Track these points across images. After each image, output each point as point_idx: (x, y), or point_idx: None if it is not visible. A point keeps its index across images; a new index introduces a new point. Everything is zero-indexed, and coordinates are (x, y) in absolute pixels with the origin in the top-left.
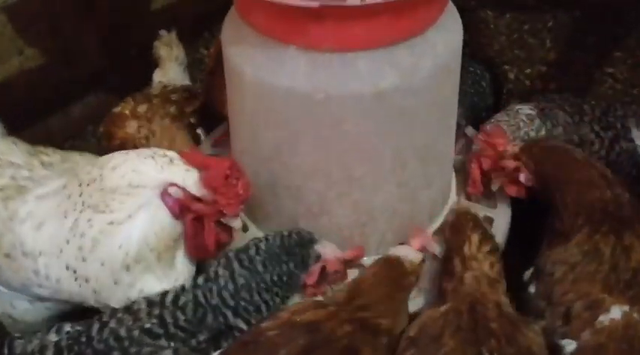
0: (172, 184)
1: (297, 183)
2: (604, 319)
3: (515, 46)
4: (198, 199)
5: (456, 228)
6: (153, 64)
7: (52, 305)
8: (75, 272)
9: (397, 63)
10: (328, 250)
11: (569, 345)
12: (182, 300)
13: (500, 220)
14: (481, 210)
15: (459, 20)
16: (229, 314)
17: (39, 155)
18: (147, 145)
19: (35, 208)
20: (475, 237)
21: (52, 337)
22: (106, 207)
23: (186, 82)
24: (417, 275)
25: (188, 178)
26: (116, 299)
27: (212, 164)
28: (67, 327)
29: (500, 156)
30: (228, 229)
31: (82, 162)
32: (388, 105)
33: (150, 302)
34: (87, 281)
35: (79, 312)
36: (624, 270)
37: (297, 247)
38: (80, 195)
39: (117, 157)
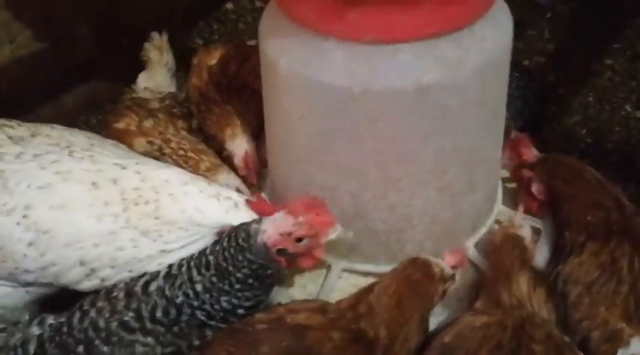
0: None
1: (331, 183)
2: (625, 353)
3: (513, 37)
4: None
5: (500, 263)
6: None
7: (33, 289)
8: (93, 271)
9: (441, 57)
10: (270, 231)
11: None
12: (152, 288)
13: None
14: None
15: (510, 15)
16: (199, 314)
17: (3, 128)
18: (162, 158)
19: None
20: (524, 283)
21: (35, 330)
22: (159, 238)
23: (172, 88)
24: (443, 287)
25: (287, 225)
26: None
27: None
28: (50, 320)
29: (521, 165)
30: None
31: (53, 135)
32: (430, 102)
33: (128, 292)
34: (103, 280)
35: (59, 295)
36: None
37: (239, 254)
38: (124, 211)
39: (175, 183)
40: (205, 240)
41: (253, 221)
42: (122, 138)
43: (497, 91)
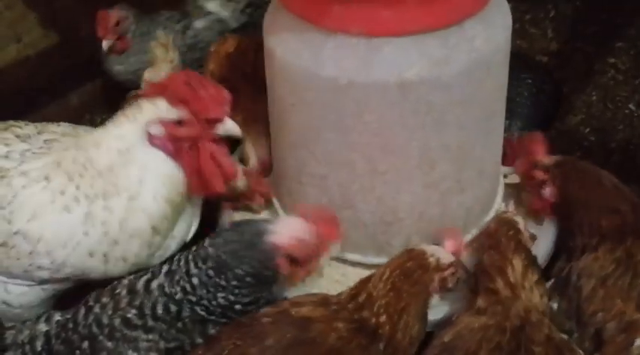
0: (149, 124)
1: (321, 172)
2: None
3: (516, 36)
4: (179, 123)
5: (496, 243)
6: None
7: (48, 286)
8: (105, 256)
9: (426, 53)
10: (284, 234)
11: None
12: (153, 285)
13: (544, 238)
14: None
15: (509, 16)
16: (198, 310)
17: (11, 128)
18: None
19: (25, 199)
20: (518, 263)
21: (42, 327)
22: (116, 188)
23: None
24: (441, 276)
25: (158, 109)
26: (156, 260)
27: (168, 82)
28: (57, 316)
29: (534, 165)
30: (228, 155)
31: (59, 132)
32: (415, 98)
33: (131, 289)
34: (125, 260)
35: (74, 289)
36: None
37: (243, 250)
38: (78, 189)
39: (94, 134)
40: (151, 163)
41: (264, 220)
42: None
43: (490, 92)
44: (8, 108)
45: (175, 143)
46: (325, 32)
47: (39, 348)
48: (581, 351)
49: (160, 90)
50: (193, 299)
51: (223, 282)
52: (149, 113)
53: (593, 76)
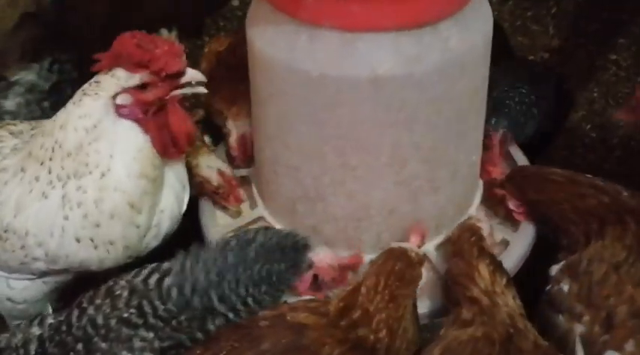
0: (113, 96)
1: (294, 163)
2: None
3: (518, 33)
4: (143, 87)
5: (459, 250)
6: None
7: (50, 279)
8: (92, 240)
9: (399, 50)
10: (323, 257)
11: None
12: (167, 282)
13: (521, 241)
14: (501, 232)
15: (489, 21)
16: (214, 297)
17: (7, 126)
18: None
19: (8, 194)
20: (484, 269)
21: (35, 330)
22: (87, 167)
23: None
24: (422, 268)
25: (118, 79)
26: (151, 241)
27: (119, 49)
28: (50, 319)
29: (492, 184)
30: (185, 113)
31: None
32: (387, 94)
33: (132, 289)
34: (113, 244)
35: (75, 282)
36: None
37: (291, 250)
38: (50, 173)
39: (57, 116)
40: (120, 136)
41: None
42: None
43: (464, 93)
44: None
45: (144, 109)
46: (300, 25)
47: (32, 352)
48: None
49: (114, 59)
50: (215, 279)
51: (256, 268)
52: (111, 86)
53: (595, 72)
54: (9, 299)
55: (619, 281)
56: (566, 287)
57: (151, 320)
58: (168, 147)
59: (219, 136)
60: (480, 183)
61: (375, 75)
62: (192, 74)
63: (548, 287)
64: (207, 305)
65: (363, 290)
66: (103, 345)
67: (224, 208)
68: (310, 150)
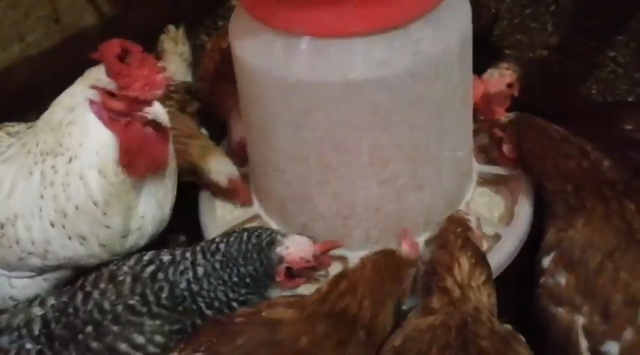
0: (91, 88)
1: (280, 165)
2: None
3: (516, 30)
4: (112, 94)
5: (444, 241)
6: (153, 50)
7: (49, 276)
8: (65, 228)
9: (369, 55)
10: (292, 250)
11: (612, 347)
12: (160, 277)
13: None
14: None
15: (465, 19)
16: (202, 304)
17: (4, 128)
18: None
19: (2, 174)
20: (465, 261)
21: (37, 310)
22: (61, 147)
23: (188, 78)
24: (412, 271)
25: (98, 74)
26: (133, 244)
27: (103, 50)
28: (52, 300)
29: (493, 124)
30: (164, 143)
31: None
32: (360, 98)
33: (134, 276)
34: (84, 238)
35: (76, 279)
36: None
37: (255, 252)
38: (37, 145)
39: (56, 106)
40: (91, 128)
41: (279, 232)
42: None
43: (441, 93)
44: (12, 107)
45: (110, 113)
46: (276, 33)
47: (37, 332)
48: (523, 338)
49: (101, 56)
50: (195, 288)
51: (226, 277)
52: (91, 77)
53: (593, 69)
54: (11, 298)
55: (614, 269)
56: (563, 280)
57: (155, 308)
58: (130, 162)
59: (217, 129)
60: (474, 175)
61: (347, 80)
62: (158, 111)
63: (542, 280)
64: (197, 308)
65: (350, 271)
66: (115, 328)
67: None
68: (293, 153)
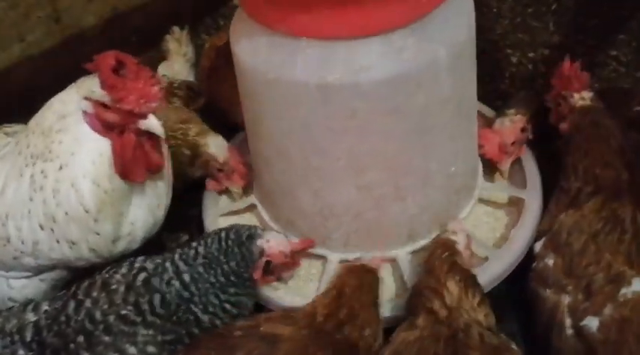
0: (84, 99)
1: (267, 157)
2: (627, 291)
3: (518, 29)
4: (105, 106)
5: (431, 267)
6: (153, 49)
7: (46, 276)
8: (53, 232)
9: (347, 59)
10: (273, 243)
11: (592, 322)
12: (154, 283)
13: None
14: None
15: (460, 29)
16: (197, 310)
17: (3, 128)
18: None
19: None
20: (453, 286)
21: (30, 316)
22: (50, 153)
23: (191, 78)
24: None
25: (91, 85)
26: (127, 246)
27: (98, 62)
28: (45, 306)
29: (565, 96)
30: (157, 149)
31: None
32: (337, 102)
33: (128, 285)
34: (74, 243)
35: (73, 279)
36: None
37: (235, 246)
38: (28, 147)
39: (52, 108)
40: (84, 137)
41: (258, 227)
42: None
43: (424, 107)
44: (12, 107)
45: (103, 124)
46: (262, 28)
47: (29, 339)
48: (517, 348)
49: (95, 67)
50: (186, 295)
51: (212, 278)
52: (84, 88)
53: (595, 68)
54: (10, 299)
55: (597, 250)
56: (551, 262)
57: (149, 317)
58: (126, 169)
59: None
60: (475, 192)
61: (323, 82)
62: (153, 124)
63: (533, 265)
64: (194, 316)
65: (348, 290)
66: (107, 339)
67: (227, 192)
68: (277, 147)
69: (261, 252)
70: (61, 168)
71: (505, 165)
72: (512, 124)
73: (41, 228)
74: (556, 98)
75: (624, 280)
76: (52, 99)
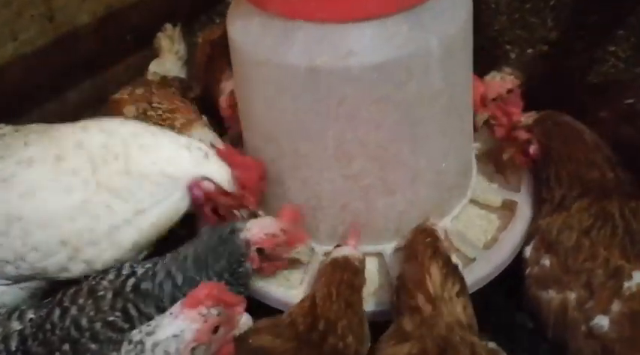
0: (206, 178)
1: (257, 144)
2: (630, 285)
3: (516, 25)
4: (226, 193)
5: (413, 252)
6: (148, 48)
7: (26, 285)
8: (76, 251)
9: (338, 43)
10: (255, 230)
11: (602, 321)
12: (144, 286)
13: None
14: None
15: (456, 21)
16: None
17: None
18: (146, 119)
19: (19, 174)
20: (436, 271)
21: (15, 325)
22: (132, 197)
23: (182, 76)
24: (364, 274)
25: (222, 174)
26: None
27: (248, 164)
28: (30, 314)
29: (514, 126)
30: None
31: (39, 129)
32: (325, 86)
33: (115, 291)
34: (88, 263)
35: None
36: (638, 232)
37: (219, 246)
38: (94, 174)
39: (143, 135)
40: (176, 196)
41: (238, 221)
42: (116, 107)
43: (414, 97)
44: (6, 106)
45: (208, 202)
46: (256, 10)
47: (13, 348)
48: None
49: (236, 163)
50: (180, 296)
51: (204, 279)
52: (213, 172)
53: (594, 64)
54: None
55: (591, 245)
56: (547, 262)
57: (138, 324)
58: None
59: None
60: (468, 192)
61: (313, 65)
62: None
63: (527, 271)
64: None
65: (319, 301)
66: (93, 346)
67: None
68: (267, 133)
69: (247, 243)
70: (137, 213)
71: (478, 116)
72: (501, 81)
73: (63, 244)
74: (508, 136)
75: (624, 274)
76: (148, 143)
